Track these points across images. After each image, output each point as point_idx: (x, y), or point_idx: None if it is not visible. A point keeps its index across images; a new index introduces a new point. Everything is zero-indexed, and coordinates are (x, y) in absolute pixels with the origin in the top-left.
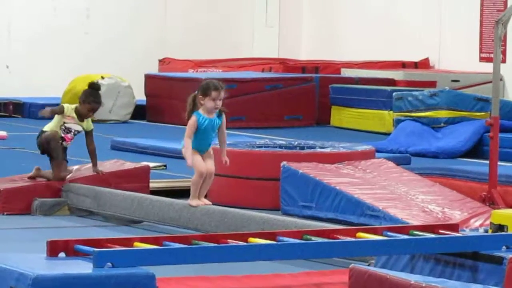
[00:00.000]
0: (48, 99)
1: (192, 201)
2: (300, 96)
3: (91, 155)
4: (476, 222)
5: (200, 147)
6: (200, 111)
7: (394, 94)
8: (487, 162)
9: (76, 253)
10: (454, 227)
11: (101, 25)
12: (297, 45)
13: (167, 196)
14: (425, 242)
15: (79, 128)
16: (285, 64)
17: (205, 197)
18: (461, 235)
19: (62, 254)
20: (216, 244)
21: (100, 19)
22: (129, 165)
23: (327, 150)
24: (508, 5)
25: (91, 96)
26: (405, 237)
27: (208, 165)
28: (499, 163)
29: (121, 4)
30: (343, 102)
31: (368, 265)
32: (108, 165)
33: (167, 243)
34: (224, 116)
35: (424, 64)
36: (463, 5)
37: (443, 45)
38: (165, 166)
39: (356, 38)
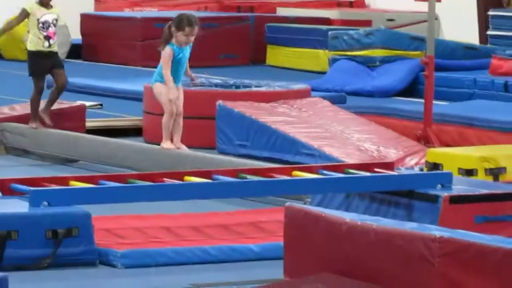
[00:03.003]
0: None
1: (164, 143)
2: (236, 35)
3: None
4: (412, 161)
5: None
6: (174, 41)
7: (329, 33)
8: (422, 101)
9: (12, 192)
10: (389, 165)
11: None
12: None
13: (103, 135)
14: (360, 180)
15: (54, 16)
16: (220, 3)
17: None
18: (396, 173)
19: None
20: (151, 183)
21: None
22: (65, 104)
23: (263, 89)
24: None
25: None
26: (341, 175)
27: (177, 103)
28: (434, 102)
29: None
30: (278, 41)
31: (304, 204)
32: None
33: (103, 182)
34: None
35: (359, 3)
36: None
37: None
38: (101, 105)
39: None
